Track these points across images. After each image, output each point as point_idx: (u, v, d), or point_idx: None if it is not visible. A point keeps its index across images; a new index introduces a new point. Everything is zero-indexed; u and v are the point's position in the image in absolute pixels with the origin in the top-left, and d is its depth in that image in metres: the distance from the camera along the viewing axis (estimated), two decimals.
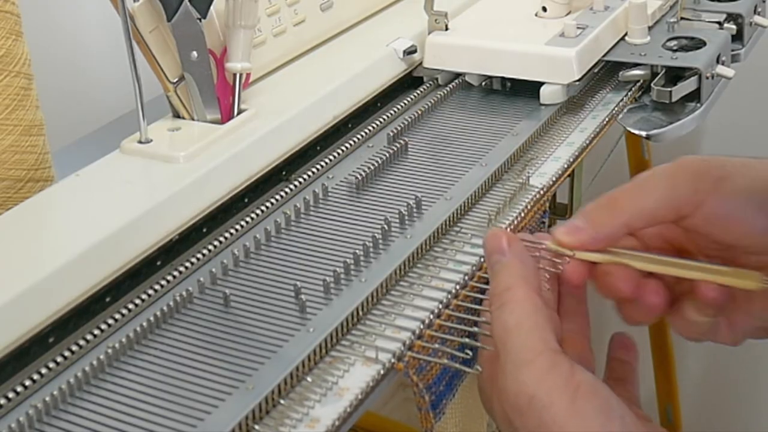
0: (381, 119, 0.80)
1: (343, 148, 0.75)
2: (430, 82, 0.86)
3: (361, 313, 0.58)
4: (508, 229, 0.66)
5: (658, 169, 0.56)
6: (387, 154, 0.74)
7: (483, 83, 0.85)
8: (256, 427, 0.50)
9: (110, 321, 0.57)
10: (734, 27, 0.93)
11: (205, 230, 0.67)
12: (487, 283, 0.59)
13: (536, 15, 0.88)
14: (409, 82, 0.87)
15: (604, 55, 0.85)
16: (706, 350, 1.58)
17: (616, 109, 0.82)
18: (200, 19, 0.71)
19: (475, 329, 0.57)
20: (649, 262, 0.56)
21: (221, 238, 0.65)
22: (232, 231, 0.66)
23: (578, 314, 0.59)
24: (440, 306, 0.58)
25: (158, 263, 0.63)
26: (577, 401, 0.48)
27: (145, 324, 0.57)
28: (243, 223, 0.66)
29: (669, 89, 0.81)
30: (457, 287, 0.60)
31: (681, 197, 0.54)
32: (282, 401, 0.52)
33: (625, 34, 0.88)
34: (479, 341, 0.56)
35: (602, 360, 0.59)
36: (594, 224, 0.55)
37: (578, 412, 0.48)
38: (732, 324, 0.58)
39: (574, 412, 0.48)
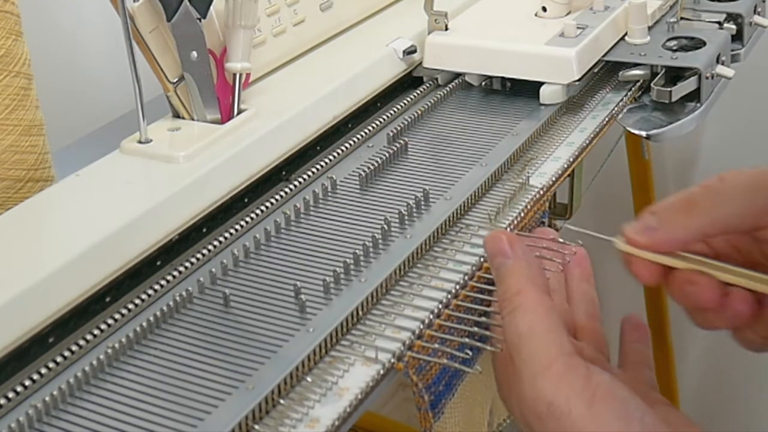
0: (381, 119, 0.80)
1: (343, 148, 0.75)
2: (430, 82, 0.86)
3: (361, 313, 0.58)
4: (508, 229, 0.65)
5: (737, 176, 0.54)
6: (387, 154, 0.74)
7: (483, 83, 0.85)
8: (256, 427, 0.50)
9: (110, 321, 0.57)
10: (734, 27, 0.93)
11: (205, 230, 0.67)
12: (487, 282, 0.60)
13: (536, 15, 0.88)
14: (409, 82, 0.87)
15: (604, 55, 0.85)
16: (706, 350, 1.58)
17: (616, 109, 0.82)
18: (200, 19, 0.71)
19: (475, 329, 0.57)
20: (726, 272, 0.54)
21: (221, 238, 0.65)
22: (232, 231, 0.66)
23: (588, 300, 0.59)
24: (440, 306, 0.58)
25: (158, 263, 0.63)
26: (595, 406, 0.48)
27: (145, 324, 0.57)
28: (243, 223, 0.66)
29: (669, 89, 0.81)
30: (457, 287, 0.60)
31: (760, 209, 0.53)
32: (282, 401, 0.52)
33: (625, 34, 0.88)
34: (481, 341, 0.56)
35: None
36: (668, 226, 0.54)
37: (597, 417, 0.48)
38: None
39: (592, 417, 0.48)
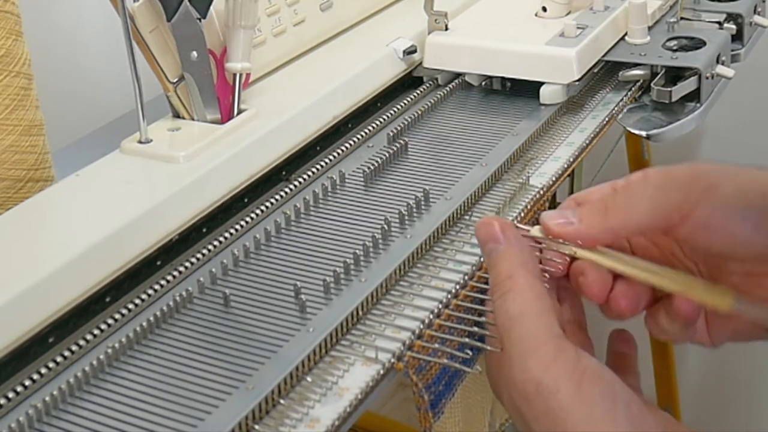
0: (381, 119, 0.80)
1: (343, 148, 0.75)
2: (430, 82, 0.86)
3: (361, 313, 0.58)
4: None
5: (648, 176, 0.56)
6: (387, 154, 0.74)
7: (483, 83, 0.85)
8: (256, 427, 0.50)
9: (110, 321, 0.57)
10: (734, 27, 0.93)
11: (205, 230, 0.67)
12: (487, 282, 0.60)
13: (536, 15, 0.88)
14: (409, 82, 0.87)
15: (604, 55, 0.85)
16: (706, 351, 1.58)
17: (616, 109, 0.82)
18: (200, 19, 0.71)
19: (475, 329, 0.57)
20: (630, 266, 0.56)
21: (221, 238, 0.65)
22: (232, 231, 0.66)
23: (573, 305, 0.59)
24: (440, 306, 0.58)
25: (158, 263, 0.63)
26: (582, 387, 0.49)
27: (145, 324, 0.57)
28: (243, 223, 0.66)
29: (669, 89, 0.81)
30: (457, 287, 0.60)
31: (669, 209, 0.54)
32: (282, 401, 0.52)
33: (625, 34, 0.88)
34: (481, 341, 0.56)
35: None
36: (584, 223, 0.56)
37: (584, 398, 0.48)
38: (710, 328, 0.58)
39: (580, 399, 0.48)
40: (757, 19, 0.96)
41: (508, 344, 0.51)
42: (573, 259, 0.57)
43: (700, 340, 0.59)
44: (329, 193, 0.70)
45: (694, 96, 0.83)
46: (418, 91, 0.84)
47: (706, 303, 0.55)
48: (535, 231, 0.57)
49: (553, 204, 0.98)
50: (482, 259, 0.61)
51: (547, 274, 0.57)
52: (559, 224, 0.56)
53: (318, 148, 0.77)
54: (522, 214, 0.67)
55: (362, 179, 0.71)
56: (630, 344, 0.60)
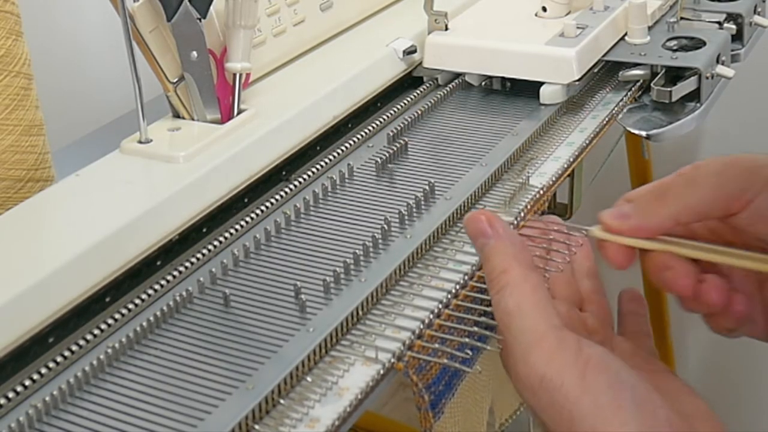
0: (381, 119, 0.80)
1: (343, 148, 0.75)
2: (430, 82, 0.86)
3: (361, 313, 0.58)
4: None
5: (708, 164, 0.56)
6: (387, 154, 0.74)
7: (483, 83, 0.85)
8: (256, 427, 0.50)
9: (110, 321, 0.57)
10: (734, 27, 0.93)
11: (205, 230, 0.67)
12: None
13: (536, 15, 0.88)
14: (409, 82, 0.87)
15: (604, 55, 0.85)
16: (706, 350, 1.58)
17: (616, 109, 0.82)
18: (200, 19, 0.71)
19: (475, 329, 0.57)
20: (698, 250, 0.56)
21: (221, 238, 0.65)
22: (232, 231, 0.66)
23: (592, 275, 0.60)
24: (440, 306, 0.58)
25: (158, 263, 0.63)
26: (587, 377, 0.49)
27: (145, 324, 0.57)
28: (243, 223, 0.66)
29: (669, 89, 0.81)
30: (457, 287, 0.60)
31: (730, 196, 0.54)
32: (282, 401, 0.52)
33: (625, 34, 0.88)
34: (481, 341, 0.56)
35: None
36: (642, 213, 0.56)
37: (589, 388, 0.48)
38: None
39: (585, 388, 0.48)
40: (757, 19, 0.96)
41: (510, 338, 0.51)
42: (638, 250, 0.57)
43: (757, 333, 0.58)
44: (329, 193, 0.70)
45: (694, 96, 0.83)
46: (418, 91, 0.84)
47: None
48: (595, 231, 0.57)
49: (554, 204, 0.98)
50: None
51: (559, 259, 0.57)
52: (618, 220, 0.56)
53: (318, 148, 0.77)
54: (522, 214, 0.67)
55: (362, 179, 0.71)
56: (640, 303, 0.60)
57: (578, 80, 0.80)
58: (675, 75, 0.84)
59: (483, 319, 0.57)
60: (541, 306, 0.52)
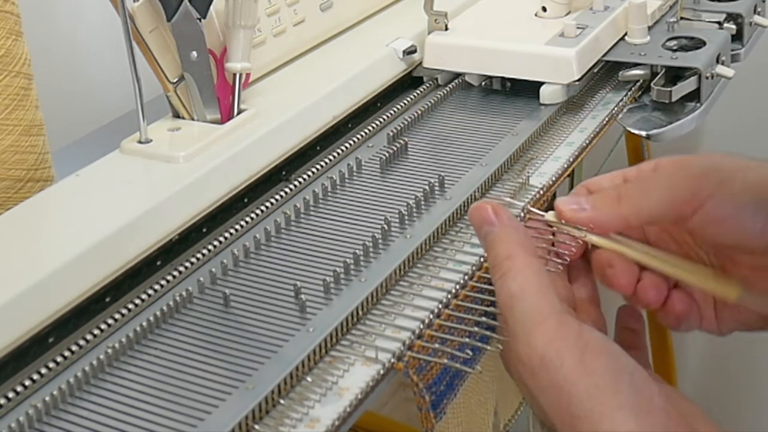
0: (381, 119, 0.80)
1: (343, 148, 0.75)
2: (430, 82, 0.86)
3: (361, 313, 0.58)
4: None
5: (660, 167, 0.57)
6: (387, 154, 0.74)
7: (483, 83, 0.85)
8: (256, 427, 0.50)
9: (110, 321, 0.57)
10: (734, 27, 0.93)
11: (205, 230, 0.67)
12: (487, 282, 0.60)
13: (536, 15, 0.88)
14: (409, 82, 0.87)
15: (604, 55, 0.85)
16: (706, 350, 1.58)
17: (616, 109, 0.82)
18: (200, 19, 0.71)
19: (476, 329, 0.57)
20: (641, 253, 0.57)
21: (221, 238, 0.65)
22: (232, 231, 0.66)
23: (586, 282, 0.60)
24: (440, 306, 0.58)
25: (158, 263, 0.63)
26: (586, 359, 0.49)
27: (145, 324, 0.57)
28: (243, 223, 0.66)
29: (669, 89, 0.81)
30: (457, 287, 0.60)
31: (681, 200, 0.55)
32: (282, 401, 0.52)
33: (625, 34, 0.88)
34: (482, 341, 0.56)
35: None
36: (596, 210, 0.57)
37: (588, 370, 0.49)
38: (719, 316, 0.59)
39: (583, 370, 0.49)
40: (757, 19, 0.96)
41: (512, 321, 0.52)
42: (590, 245, 0.59)
43: (708, 328, 0.60)
44: (329, 193, 0.70)
45: (694, 96, 0.83)
46: (418, 91, 0.84)
47: (715, 292, 0.57)
48: (550, 216, 0.58)
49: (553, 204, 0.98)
50: (482, 259, 0.62)
51: (558, 258, 0.58)
52: (573, 210, 0.57)
53: (318, 148, 0.77)
54: (522, 214, 0.67)
55: (362, 179, 0.71)
56: (638, 320, 0.61)
57: (578, 80, 0.80)
58: (675, 75, 0.84)
59: (484, 319, 0.57)
60: (544, 290, 0.52)
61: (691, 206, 0.54)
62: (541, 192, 0.70)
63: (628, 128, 0.81)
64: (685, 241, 0.59)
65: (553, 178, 0.72)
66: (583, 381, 0.49)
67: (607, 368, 0.49)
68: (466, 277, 0.61)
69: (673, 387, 0.54)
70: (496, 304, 0.55)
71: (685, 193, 0.54)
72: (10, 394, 0.52)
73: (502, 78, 0.84)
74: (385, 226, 0.64)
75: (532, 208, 0.61)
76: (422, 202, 0.67)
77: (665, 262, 0.57)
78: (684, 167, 0.56)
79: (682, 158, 0.56)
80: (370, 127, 0.78)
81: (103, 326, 0.57)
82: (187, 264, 0.62)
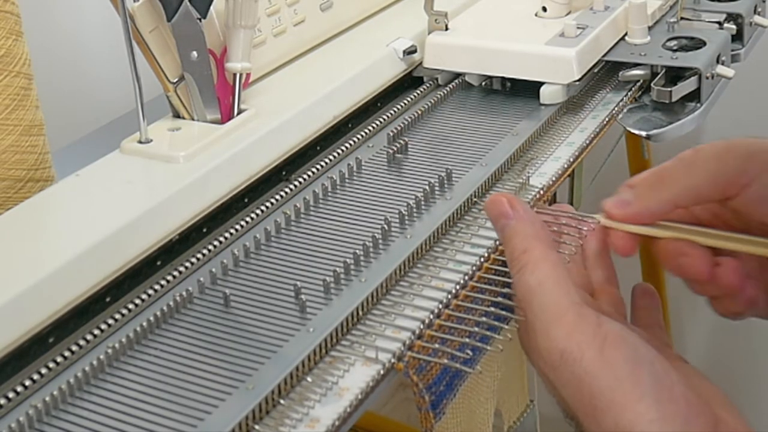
0: (381, 119, 0.80)
1: (343, 148, 0.75)
2: (430, 82, 0.86)
3: (361, 313, 0.58)
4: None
5: (708, 148, 0.57)
6: (387, 154, 0.74)
7: (483, 83, 0.85)
8: (256, 427, 0.50)
9: (110, 321, 0.57)
10: (734, 27, 0.93)
11: (205, 230, 0.67)
12: (487, 283, 0.60)
13: (536, 15, 0.88)
14: (409, 82, 0.87)
15: (604, 55, 0.85)
16: (706, 348, 1.58)
17: (616, 109, 0.82)
18: (200, 19, 0.71)
19: (476, 329, 0.57)
20: (704, 236, 0.57)
21: (221, 238, 0.65)
22: (232, 231, 0.66)
23: (604, 265, 0.60)
24: (440, 306, 0.58)
25: (158, 263, 0.63)
26: (605, 351, 0.49)
27: (145, 324, 0.57)
28: (243, 223, 0.66)
29: (669, 89, 0.81)
30: (457, 287, 0.60)
31: (727, 179, 0.55)
32: (282, 401, 0.52)
33: (625, 34, 0.88)
34: (482, 341, 0.56)
35: None
36: (641, 198, 0.57)
37: (608, 362, 0.49)
38: None
39: (603, 362, 0.49)
40: (757, 19, 0.96)
41: (531, 315, 0.52)
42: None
43: (760, 315, 0.59)
44: (329, 193, 0.70)
45: (694, 96, 0.83)
46: (418, 91, 0.84)
47: None
48: (602, 219, 0.58)
49: (553, 204, 0.98)
50: (482, 260, 0.62)
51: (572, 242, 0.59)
52: (619, 207, 0.57)
53: (318, 148, 0.77)
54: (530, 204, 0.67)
55: (362, 179, 0.71)
56: (653, 298, 0.61)
57: (578, 80, 0.80)
58: (675, 75, 0.84)
59: (484, 319, 0.57)
60: (562, 283, 0.52)
61: (737, 185, 0.54)
62: (541, 192, 0.70)
63: (628, 128, 0.81)
64: (729, 223, 0.58)
65: (553, 178, 0.72)
66: (603, 373, 0.49)
67: (627, 359, 0.49)
68: (466, 277, 0.61)
69: (694, 369, 0.55)
70: (514, 298, 0.55)
71: (732, 172, 0.54)
72: (10, 394, 0.52)
73: (502, 78, 0.84)
74: (385, 226, 0.64)
75: (585, 214, 0.61)
76: (422, 202, 0.67)
77: (729, 239, 0.56)
78: (731, 148, 0.56)
79: (730, 140, 0.56)
80: (370, 127, 0.78)
81: (103, 326, 0.57)
82: (187, 264, 0.62)
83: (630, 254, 0.58)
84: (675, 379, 0.50)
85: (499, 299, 0.58)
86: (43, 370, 0.54)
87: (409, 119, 0.79)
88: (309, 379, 0.53)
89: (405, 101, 0.82)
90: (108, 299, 0.60)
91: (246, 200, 0.70)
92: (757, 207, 0.55)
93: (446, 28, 0.86)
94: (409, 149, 0.76)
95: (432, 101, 0.82)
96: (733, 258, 0.57)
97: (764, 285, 0.58)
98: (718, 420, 0.50)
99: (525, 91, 0.82)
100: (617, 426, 0.48)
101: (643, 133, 0.81)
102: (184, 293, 0.59)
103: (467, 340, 0.56)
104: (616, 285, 0.60)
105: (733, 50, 0.91)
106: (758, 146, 0.55)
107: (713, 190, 0.55)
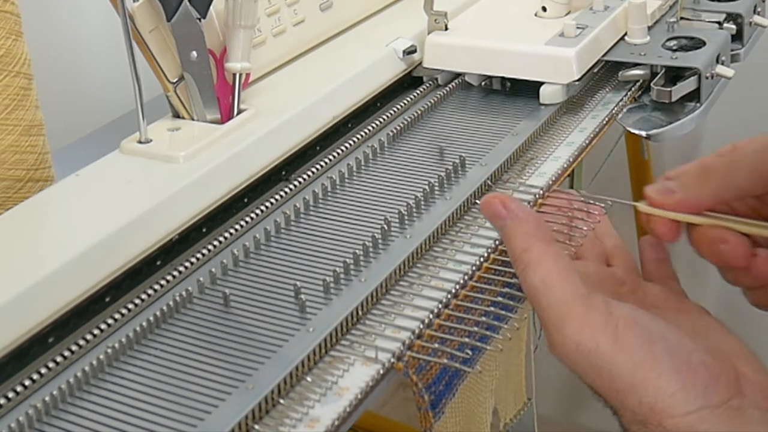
0: (381, 119, 0.80)
1: (343, 148, 0.75)
2: (430, 82, 0.86)
3: (360, 312, 0.58)
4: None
5: (749, 144, 0.58)
6: (387, 154, 0.74)
7: (483, 83, 0.85)
8: (256, 426, 0.50)
9: (110, 321, 0.57)
10: (734, 27, 0.93)
11: (205, 230, 0.67)
12: (486, 283, 0.60)
13: (536, 15, 0.88)
14: (409, 82, 0.87)
15: (604, 55, 0.85)
16: None
17: (615, 109, 0.82)
18: (200, 19, 0.71)
19: (475, 329, 0.57)
20: (742, 224, 0.57)
21: (221, 238, 0.65)
22: (232, 231, 0.66)
23: (613, 235, 0.63)
24: (440, 306, 0.58)
25: (158, 263, 0.63)
26: (619, 336, 0.51)
27: (145, 324, 0.57)
28: (243, 223, 0.66)
29: (669, 89, 0.81)
30: (457, 287, 0.60)
31: (767, 173, 0.56)
32: (282, 401, 0.52)
33: (625, 34, 0.88)
34: (482, 341, 0.56)
35: None
36: (686, 189, 0.57)
37: (623, 346, 0.50)
38: None
39: (619, 347, 0.50)
40: (757, 19, 0.96)
41: (541, 313, 0.53)
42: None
43: None
44: (329, 193, 0.70)
45: (694, 96, 0.83)
46: (418, 91, 0.84)
47: None
48: (642, 206, 0.59)
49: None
50: (482, 260, 0.62)
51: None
52: (663, 195, 0.58)
53: (318, 148, 0.77)
54: (541, 192, 0.68)
55: (361, 179, 0.71)
56: (661, 249, 0.62)
57: (578, 80, 0.80)
58: (675, 75, 0.84)
59: (483, 319, 0.57)
60: (565, 276, 0.53)
61: None
62: (541, 192, 0.70)
63: (628, 128, 0.81)
64: (764, 216, 0.59)
65: (553, 178, 0.72)
66: (620, 357, 0.50)
67: (641, 339, 0.50)
68: (466, 277, 0.61)
69: (713, 321, 0.56)
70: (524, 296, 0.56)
71: None
72: (10, 394, 0.52)
73: (502, 78, 0.84)
74: (385, 226, 0.64)
75: (622, 201, 0.63)
76: (422, 202, 0.67)
77: (765, 227, 0.57)
78: None
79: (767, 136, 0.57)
80: (370, 127, 0.78)
81: (103, 326, 0.57)
82: (187, 264, 0.62)
83: (674, 240, 0.59)
84: (691, 348, 0.51)
85: (499, 299, 0.59)
86: (43, 370, 0.54)
87: (409, 119, 0.79)
88: (309, 378, 0.53)
89: (405, 101, 0.82)
90: (108, 299, 0.60)
91: (246, 200, 0.70)
92: None
93: (446, 28, 0.86)
94: (409, 149, 0.76)
95: (432, 101, 0.82)
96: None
97: None
98: (738, 375, 0.51)
99: (525, 91, 0.82)
100: (642, 404, 0.49)
101: (643, 133, 0.81)
102: (183, 293, 0.59)
103: (467, 339, 0.56)
104: (626, 249, 0.62)
105: (732, 50, 0.91)
106: None
107: (755, 185, 0.56)
